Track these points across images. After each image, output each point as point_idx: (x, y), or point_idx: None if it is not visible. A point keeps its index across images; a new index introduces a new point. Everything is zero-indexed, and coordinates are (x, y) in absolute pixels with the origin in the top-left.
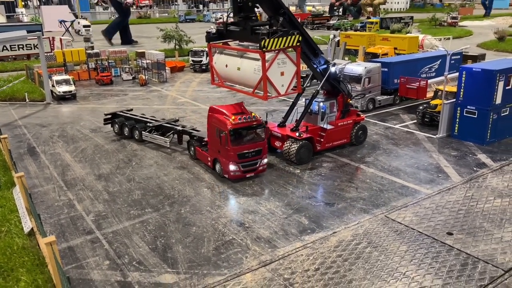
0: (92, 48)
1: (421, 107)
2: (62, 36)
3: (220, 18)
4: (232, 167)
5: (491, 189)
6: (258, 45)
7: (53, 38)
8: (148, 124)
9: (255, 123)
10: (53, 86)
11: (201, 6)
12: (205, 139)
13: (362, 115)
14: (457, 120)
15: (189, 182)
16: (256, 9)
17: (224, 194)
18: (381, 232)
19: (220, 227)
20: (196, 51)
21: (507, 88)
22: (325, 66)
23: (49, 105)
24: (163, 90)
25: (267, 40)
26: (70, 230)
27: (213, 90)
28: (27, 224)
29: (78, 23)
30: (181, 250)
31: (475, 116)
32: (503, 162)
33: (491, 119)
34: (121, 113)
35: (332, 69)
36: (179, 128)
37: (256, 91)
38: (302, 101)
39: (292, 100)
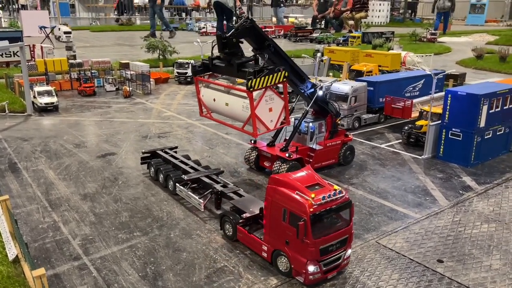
0: (74, 57)
1: (406, 128)
2: (42, 42)
3: (204, 27)
4: (311, 268)
5: (477, 213)
6: (245, 82)
7: (33, 45)
8: (183, 176)
9: (341, 201)
10: (34, 97)
11: (183, 14)
12: (246, 215)
13: (350, 135)
14: (442, 141)
15: (177, 203)
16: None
17: (213, 215)
18: (373, 259)
19: (211, 253)
20: (181, 63)
21: (490, 111)
22: (312, 90)
23: (30, 117)
24: (147, 103)
25: (254, 80)
26: (56, 256)
27: None
28: (12, 250)
29: (59, 29)
30: (172, 278)
31: (460, 139)
32: (487, 185)
33: (475, 142)
34: (161, 153)
35: (320, 92)
36: (219, 188)
37: (245, 127)
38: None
39: None
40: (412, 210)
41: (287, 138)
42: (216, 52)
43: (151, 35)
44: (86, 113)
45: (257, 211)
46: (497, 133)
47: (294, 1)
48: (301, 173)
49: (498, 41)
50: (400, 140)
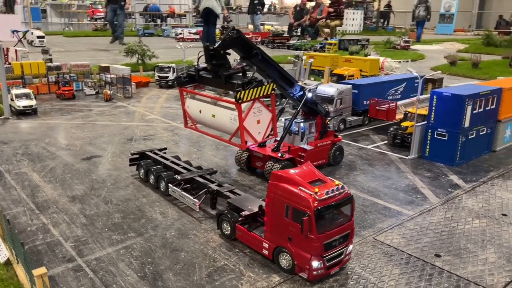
0: (51, 60)
1: (392, 129)
2: (15, 46)
3: (181, 33)
4: (315, 264)
5: (468, 210)
6: (233, 94)
7: (7, 49)
8: (176, 176)
9: (344, 196)
10: (12, 100)
11: (158, 21)
12: (245, 213)
13: (339, 136)
14: (428, 142)
15: (170, 204)
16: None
17: (208, 215)
18: (372, 255)
19: (210, 252)
20: (162, 66)
21: (474, 112)
22: (301, 92)
23: (7, 120)
24: (129, 106)
25: (243, 92)
26: (48, 258)
27: None
28: (3, 252)
29: (32, 33)
30: (172, 277)
31: (446, 139)
32: (474, 183)
33: (460, 142)
34: (151, 154)
35: (309, 94)
36: (214, 187)
37: (232, 139)
38: (280, 122)
39: None
40: (405, 208)
41: (278, 138)
42: (202, 62)
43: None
44: (66, 116)
45: (255, 209)
46: (480, 133)
47: (272, 9)
48: (302, 169)
49: (468, 49)
50: (386, 141)
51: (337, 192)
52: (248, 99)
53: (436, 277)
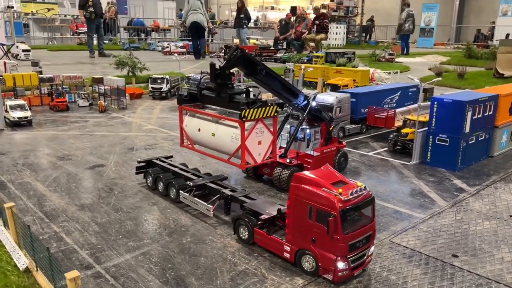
0: (41, 73)
1: (392, 136)
2: (1, 59)
3: (167, 47)
4: (341, 265)
5: (476, 212)
6: (237, 112)
7: None
8: (188, 182)
9: (366, 197)
10: (6, 111)
11: (142, 35)
12: (264, 217)
13: (343, 142)
14: (430, 147)
15: (181, 210)
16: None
17: (221, 221)
18: (391, 257)
19: (229, 256)
20: (156, 78)
21: (473, 118)
22: (305, 102)
23: (2, 131)
24: (125, 117)
25: (248, 111)
26: (65, 265)
27: None
28: (22, 260)
29: (17, 47)
30: (195, 282)
31: (447, 144)
32: (478, 187)
33: (461, 147)
34: (158, 162)
35: (313, 103)
36: (228, 192)
37: (232, 159)
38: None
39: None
40: (415, 211)
41: (283, 146)
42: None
43: (103, 54)
44: (62, 127)
45: (273, 213)
46: (479, 139)
47: (259, 24)
48: (322, 171)
49: (451, 61)
50: (386, 148)
51: (360, 193)
52: (252, 118)
53: (458, 276)
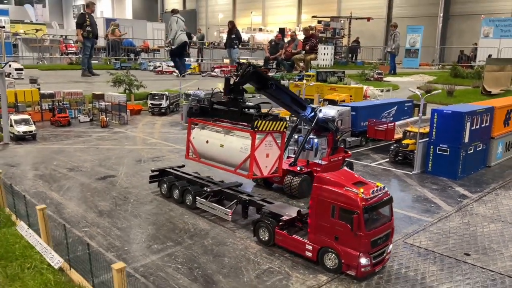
0: (39, 89)
1: (392, 147)
2: None
3: (159, 66)
4: (363, 261)
5: (481, 216)
6: (248, 124)
7: None
8: (205, 188)
9: (386, 196)
10: (11, 126)
11: (132, 55)
12: (285, 218)
13: (349, 152)
14: (431, 157)
15: (198, 216)
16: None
17: (239, 225)
18: (406, 255)
19: (252, 257)
20: (155, 94)
21: (472, 128)
22: (312, 113)
23: (7, 145)
24: (127, 132)
25: (260, 122)
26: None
27: (183, 132)
28: (55, 259)
29: (10, 66)
30: (223, 279)
31: (448, 154)
32: (479, 193)
33: (461, 156)
34: (171, 170)
35: (320, 115)
36: (246, 197)
37: (239, 170)
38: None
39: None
40: (423, 215)
41: (292, 155)
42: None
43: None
44: (66, 141)
45: (293, 215)
46: (477, 149)
47: (249, 45)
48: (342, 173)
49: (437, 80)
50: (387, 159)
51: (380, 192)
52: (264, 129)
53: (472, 272)
